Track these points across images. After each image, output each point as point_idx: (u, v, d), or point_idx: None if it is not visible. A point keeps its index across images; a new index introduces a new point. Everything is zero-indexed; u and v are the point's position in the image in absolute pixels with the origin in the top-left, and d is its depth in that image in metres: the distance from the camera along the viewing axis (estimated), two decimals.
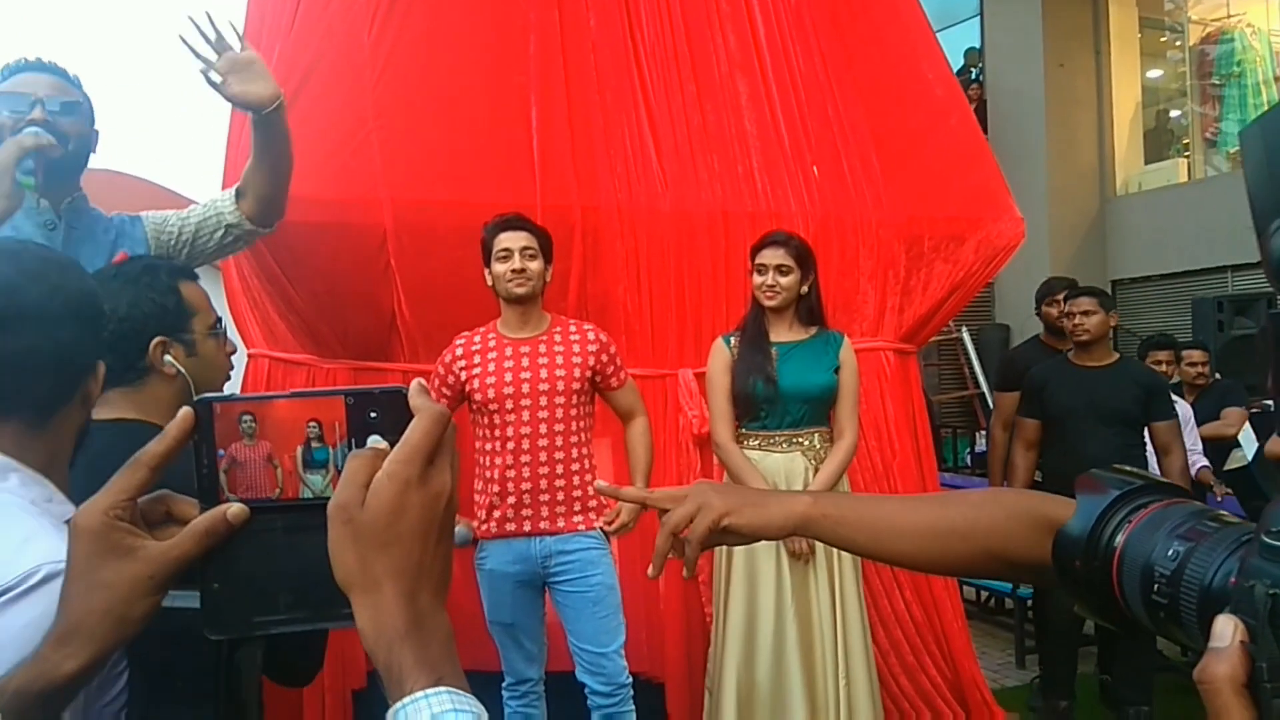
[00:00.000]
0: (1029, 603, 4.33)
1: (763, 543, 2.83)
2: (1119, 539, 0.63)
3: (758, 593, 2.84)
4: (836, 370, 2.91)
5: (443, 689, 0.55)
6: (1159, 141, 9.00)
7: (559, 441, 2.68)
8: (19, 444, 1.02)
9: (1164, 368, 4.41)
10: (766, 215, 3.36)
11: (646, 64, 3.47)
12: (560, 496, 2.68)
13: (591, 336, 2.78)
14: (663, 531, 0.99)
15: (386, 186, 3.05)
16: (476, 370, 2.70)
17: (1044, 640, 3.90)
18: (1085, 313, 3.57)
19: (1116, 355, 3.65)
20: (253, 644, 1.09)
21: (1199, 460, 4.34)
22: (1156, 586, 0.59)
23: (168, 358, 1.48)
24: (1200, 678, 0.51)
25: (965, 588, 4.97)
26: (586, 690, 2.70)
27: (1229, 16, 8.58)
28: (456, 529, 2.51)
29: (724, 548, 2.92)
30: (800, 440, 2.90)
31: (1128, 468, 0.70)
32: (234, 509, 0.60)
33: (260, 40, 3.13)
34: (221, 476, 0.61)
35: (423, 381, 0.62)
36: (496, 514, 2.68)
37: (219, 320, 1.58)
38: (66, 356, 1.07)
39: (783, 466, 2.87)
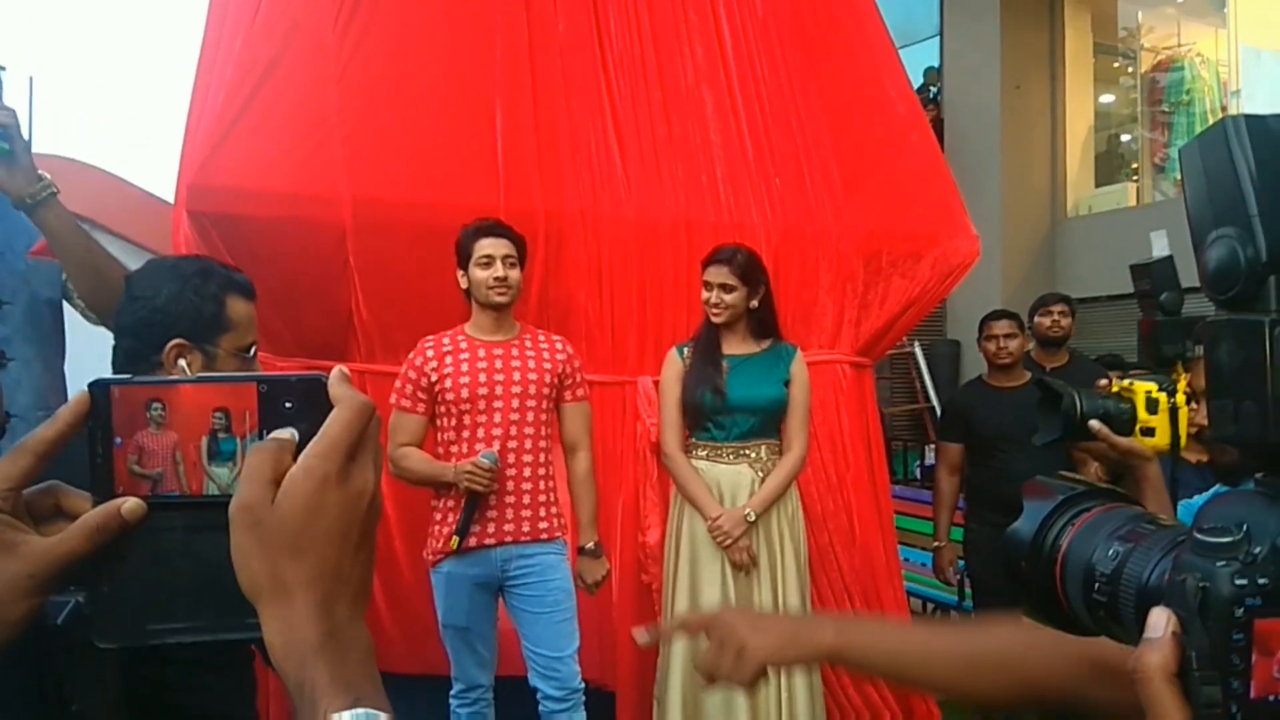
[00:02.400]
0: (973, 614, 4.40)
1: (705, 550, 2.86)
2: (1063, 541, 0.65)
3: (700, 603, 2.86)
4: (787, 384, 2.93)
5: (361, 710, 0.49)
6: (1110, 165, 9.21)
7: (528, 445, 2.68)
8: None
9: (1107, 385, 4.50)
10: (728, 225, 3.38)
11: (614, 71, 3.47)
12: (526, 500, 2.67)
13: (559, 346, 2.80)
14: (700, 669, 0.97)
15: (347, 183, 3.02)
16: (448, 370, 2.67)
17: None
18: (1008, 335, 3.68)
19: (1028, 375, 3.75)
20: (91, 662, 1.02)
21: None
22: (1097, 586, 0.61)
23: (181, 362, 1.43)
24: (1134, 667, 0.53)
25: (911, 599, 5.04)
26: (539, 695, 2.69)
27: (1180, 46, 8.82)
28: (483, 453, 2.46)
29: (672, 557, 2.94)
30: (747, 452, 2.91)
31: (1073, 475, 0.72)
32: (129, 504, 0.55)
33: (222, 31, 3.09)
34: (119, 467, 0.55)
35: (345, 369, 0.57)
36: (455, 540, 2.64)
37: (253, 344, 1.53)
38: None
39: (729, 477, 2.89)
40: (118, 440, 0.55)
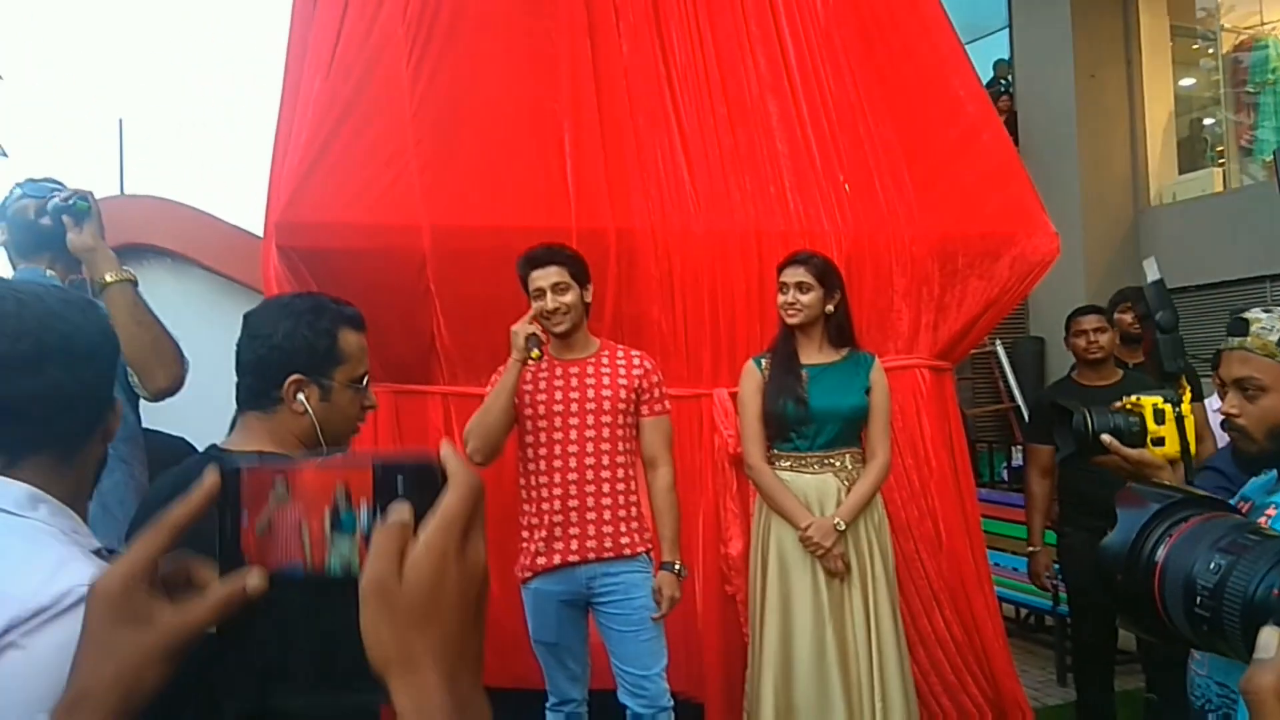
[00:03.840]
0: (1069, 620, 4.29)
1: (795, 560, 2.85)
2: (1160, 553, 0.63)
3: (793, 613, 2.85)
4: (868, 391, 2.92)
5: None
6: (1193, 150, 8.90)
7: (605, 460, 2.71)
8: (47, 477, 1.07)
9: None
10: (799, 234, 3.38)
11: (678, 87, 3.51)
12: (607, 515, 2.70)
13: (638, 361, 2.82)
14: None
15: (425, 212, 3.11)
16: (528, 388, 2.72)
17: (1078, 658, 3.86)
18: (1098, 329, 3.57)
19: (1120, 373, 3.63)
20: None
21: None
22: (1199, 599, 0.59)
23: (300, 396, 1.51)
24: (1245, 688, 0.52)
25: (1005, 605, 4.93)
26: (628, 712, 2.71)
27: (1262, 24, 8.49)
28: (527, 337, 2.46)
29: (758, 567, 2.94)
30: (832, 461, 2.90)
31: (1167, 481, 0.71)
32: (253, 579, 0.57)
33: (301, 73, 3.22)
34: (246, 541, 0.58)
35: (452, 445, 0.60)
36: (543, 545, 2.69)
37: (365, 375, 1.60)
38: (91, 393, 1.09)
39: (815, 487, 2.88)
40: (245, 516, 0.58)
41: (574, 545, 2.69)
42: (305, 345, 1.52)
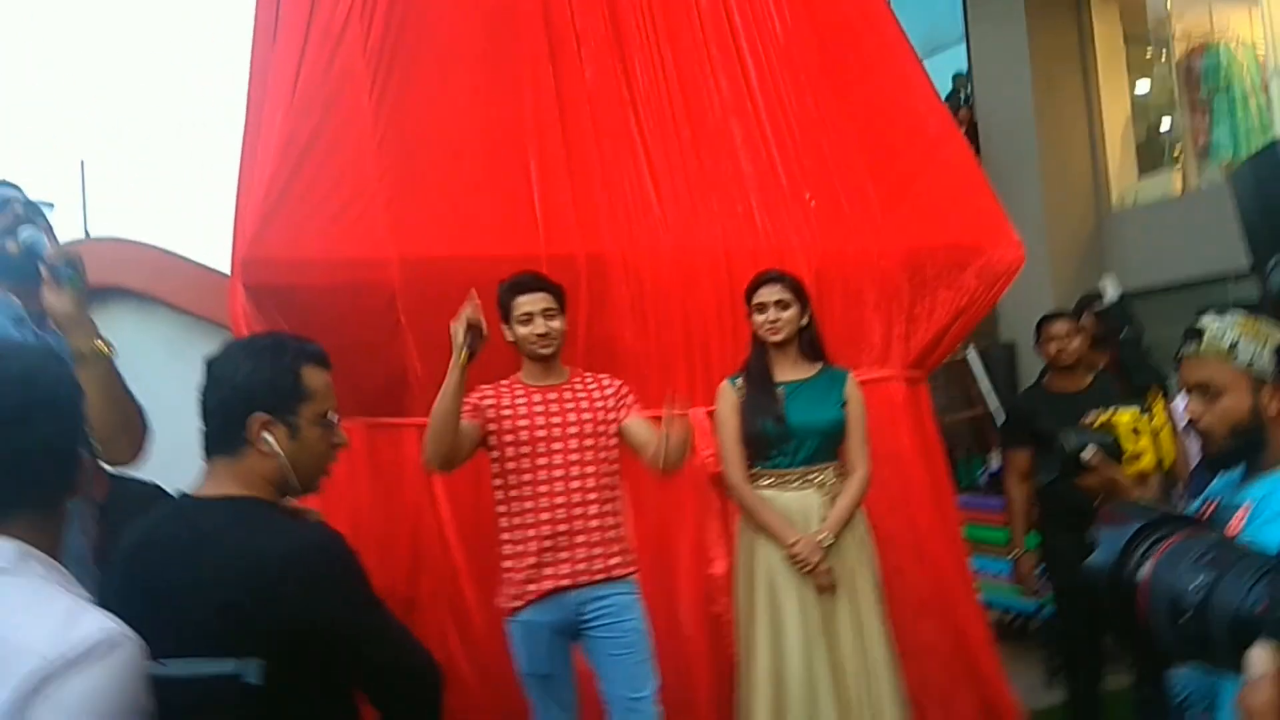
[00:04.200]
0: (1055, 621, 4.30)
1: (782, 577, 2.84)
2: (1144, 571, 0.64)
3: (784, 632, 2.84)
4: (843, 405, 2.93)
5: None
6: (1152, 154, 9.05)
7: (590, 484, 2.71)
8: (32, 533, 1.06)
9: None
10: (768, 251, 3.40)
11: (642, 110, 3.53)
12: (595, 538, 2.69)
13: (607, 381, 2.85)
14: None
15: (393, 245, 3.10)
16: (507, 413, 2.71)
17: (1067, 662, 3.88)
18: (1068, 335, 3.60)
19: (1091, 377, 3.66)
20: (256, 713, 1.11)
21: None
22: (1184, 617, 0.59)
23: (265, 436, 1.49)
24: (1239, 708, 0.52)
25: (990, 610, 4.94)
26: None
27: (1212, 30, 8.67)
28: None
29: (745, 587, 2.93)
30: (813, 477, 2.91)
31: (1144, 500, 0.71)
32: None
33: (263, 109, 3.20)
34: None
35: None
36: (532, 572, 2.66)
37: (331, 411, 1.58)
38: (71, 446, 1.10)
39: (797, 504, 2.89)
40: None
41: (564, 570, 2.67)
42: (267, 384, 1.50)
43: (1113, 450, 1.75)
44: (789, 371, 2.95)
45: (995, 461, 6.91)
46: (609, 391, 2.81)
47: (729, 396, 2.99)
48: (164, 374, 2.43)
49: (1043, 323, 3.71)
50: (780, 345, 2.94)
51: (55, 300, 1.97)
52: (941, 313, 3.58)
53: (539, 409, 2.73)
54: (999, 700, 3.37)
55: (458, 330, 2.55)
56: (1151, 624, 0.63)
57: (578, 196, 3.36)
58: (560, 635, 2.71)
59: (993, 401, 7.79)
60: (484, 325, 2.55)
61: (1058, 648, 4.18)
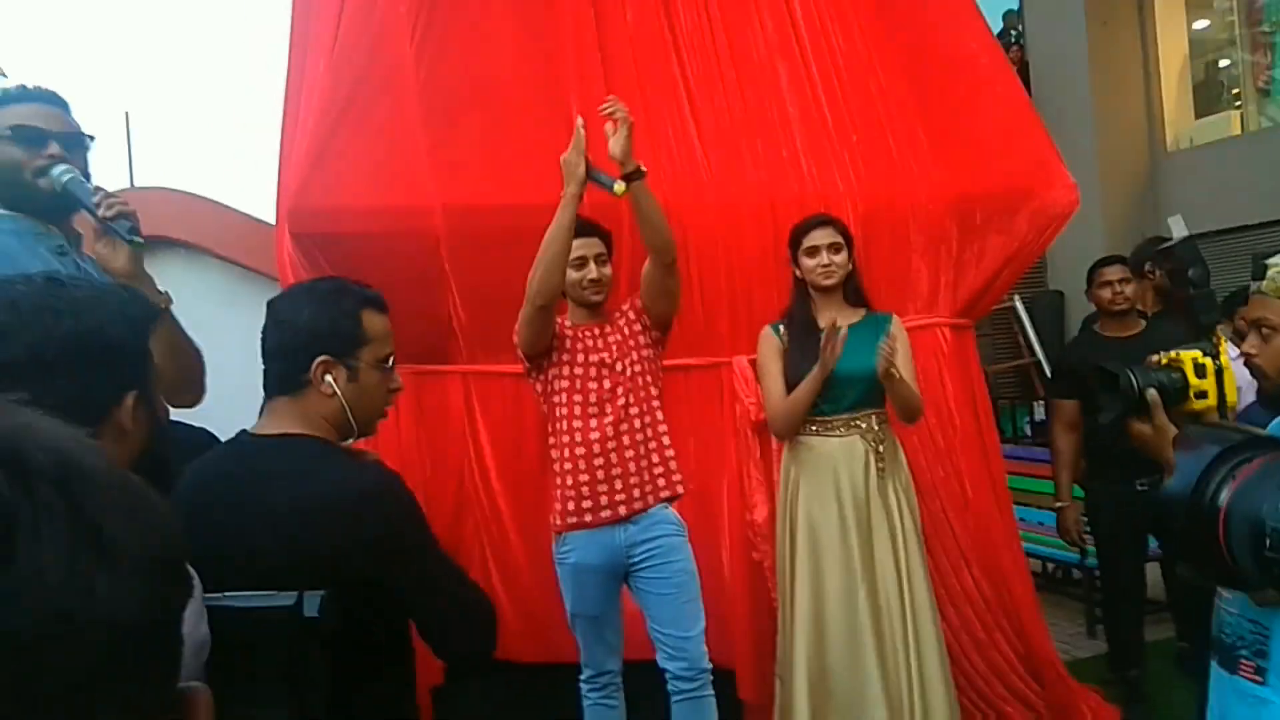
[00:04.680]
0: (1096, 572, 4.28)
1: (826, 524, 2.85)
2: (1223, 497, 0.61)
3: (824, 577, 2.85)
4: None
5: None
6: (1209, 94, 8.75)
7: (645, 408, 2.74)
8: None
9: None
10: (813, 198, 3.34)
11: (685, 54, 3.46)
12: (648, 462, 2.72)
13: (626, 307, 2.86)
14: None
15: (437, 193, 3.10)
16: (566, 345, 2.73)
17: (1108, 610, 3.86)
18: (1123, 280, 3.53)
19: (1143, 323, 3.59)
20: (315, 646, 1.13)
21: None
22: (1269, 542, 0.57)
23: (327, 378, 1.52)
24: None
25: (1032, 560, 4.93)
26: (668, 676, 2.73)
27: None
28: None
29: (786, 533, 2.94)
30: (858, 423, 2.89)
31: (1224, 422, 0.68)
32: None
33: (305, 58, 3.20)
34: None
35: None
36: (587, 503, 2.69)
37: (391, 355, 1.61)
38: (75, 399, 1.00)
39: (842, 450, 2.88)
40: None
41: (621, 510, 2.69)
42: (330, 327, 1.53)
43: (1179, 390, 1.72)
44: (831, 317, 2.92)
45: (1040, 411, 6.84)
46: (630, 313, 2.82)
47: (771, 341, 2.97)
48: (212, 323, 2.46)
49: (1096, 268, 3.63)
50: (827, 290, 2.91)
51: (110, 256, 1.95)
52: (991, 259, 3.51)
53: (580, 348, 2.75)
54: (1038, 648, 3.37)
55: (575, 160, 2.55)
56: (1233, 552, 0.61)
57: None
58: (609, 578, 2.74)
59: (1039, 351, 7.68)
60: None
61: (1100, 597, 4.16)
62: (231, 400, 2.07)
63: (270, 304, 1.60)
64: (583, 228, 2.73)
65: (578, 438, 2.70)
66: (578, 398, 2.72)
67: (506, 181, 3.17)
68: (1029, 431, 7.13)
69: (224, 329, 2.52)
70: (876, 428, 2.91)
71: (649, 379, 2.79)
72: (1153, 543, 3.58)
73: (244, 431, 1.58)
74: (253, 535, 1.39)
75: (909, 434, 3.16)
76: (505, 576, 3.18)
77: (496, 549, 3.16)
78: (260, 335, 1.57)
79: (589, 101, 3.31)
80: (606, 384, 2.72)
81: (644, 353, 2.79)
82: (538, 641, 3.09)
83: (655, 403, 2.79)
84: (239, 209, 4.63)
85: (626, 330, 2.80)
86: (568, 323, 2.80)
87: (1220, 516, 0.61)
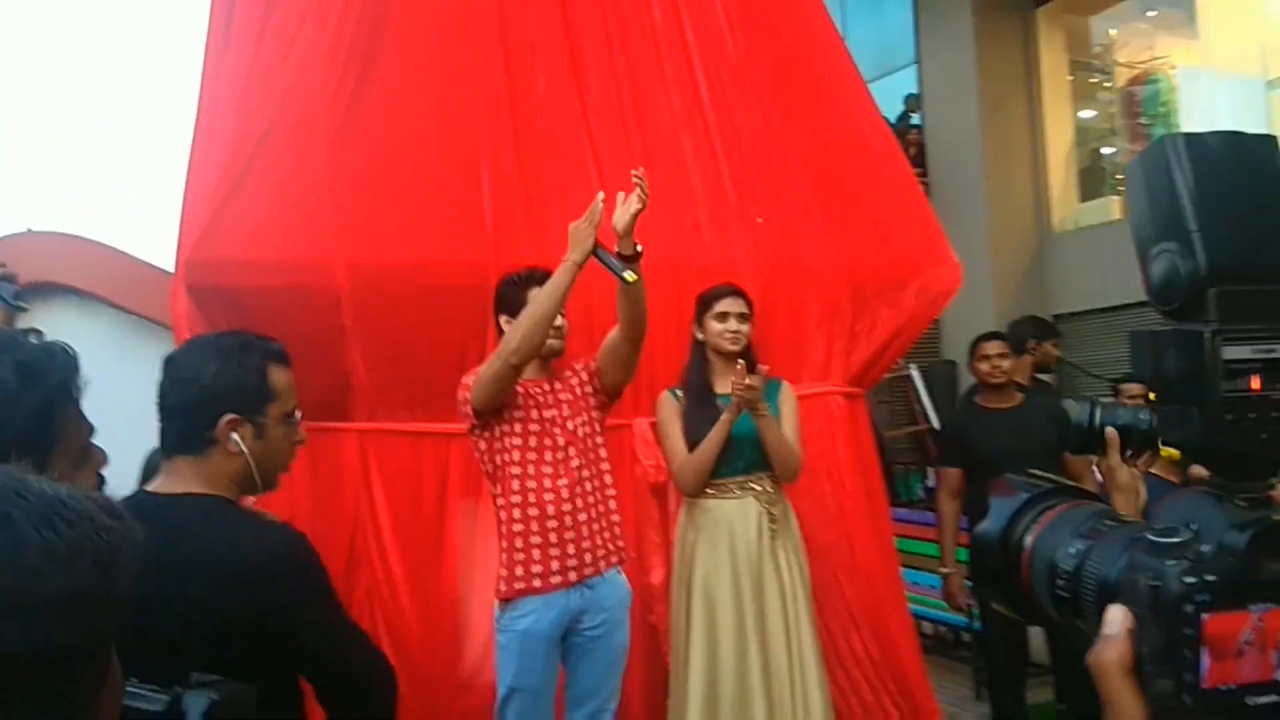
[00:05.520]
0: (983, 636, 4.41)
1: (721, 585, 2.89)
2: (1028, 539, 0.67)
3: (718, 637, 2.89)
4: (778, 414, 2.99)
5: None
6: (1094, 179, 9.30)
7: (595, 470, 2.74)
8: None
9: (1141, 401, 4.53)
10: (715, 266, 3.45)
11: (594, 123, 3.56)
12: (602, 524, 2.71)
13: (578, 367, 2.86)
14: None
15: (341, 249, 3.09)
16: (517, 401, 2.67)
17: (991, 672, 3.98)
18: (1000, 354, 3.72)
19: (1020, 396, 3.79)
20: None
21: None
22: (1060, 581, 0.63)
23: (234, 436, 1.49)
24: (1092, 663, 0.56)
25: (923, 622, 5.05)
26: None
27: (1154, 59, 8.95)
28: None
29: (682, 594, 2.97)
30: (753, 485, 2.97)
31: (1038, 472, 0.75)
32: None
33: (215, 106, 3.18)
34: None
35: None
36: (537, 567, 2.61)
37: (295, 410, 1.59)
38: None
39: (737, 512, 2.94)
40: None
41: (572, 576, 2.64)
42: (236, 384, 1.51)
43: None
44: (729, 384, 3.00)
45: (933, 477, 7.05)
46: (579, 366, 2.83)
47: (670, 404, 3.04)
48: (105, 373, 2.39)
49: (976, 342, 3.82)
50: (729, 356, 2.99)
51: None
52: (882, 330, 3.66)
53: (534, 403, 2.71)
54: (923, 709, 3.45)
55: (586, 232, 2.54)
56: (1033, 587, 0.67)
57: (530, 205, 3.38)
58: (556, 645, 2.65)
59: (934, 418, 7.94)
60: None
61: (984, 661, 4.29)
62: (122, 451, 2.02)
63: (169, 360, 1.56)
64: (544, 278, 2.71)
65: (530, 499, 2.64)
66: (531, 455, 2.66)
67: (413, 240, 3.19)
68: (922, 495, 7.33)
69: (117, 378, 2.46)
70: (770, 490, 2.98)
71: (599, 440, 2.79)
72: None
73: (143, 490, 1.55)
74: (156, 598, 1.37)
75: (801, 497, 3.24)
76: (395, 641, 3.11)
77: (387, 612, 3.11)
78: (159, 392, 1.54)
79: (499, 165, 3.37)
80: (560, 441, 2.68)
81: (593, 414, 2.79)
82: (425, 710, 3.02)
83: (605, 465, 2.78)
84: (136, 256, 4.53)
85: (578, 390, 2.79)
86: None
87: (1024, 557, 0.67)
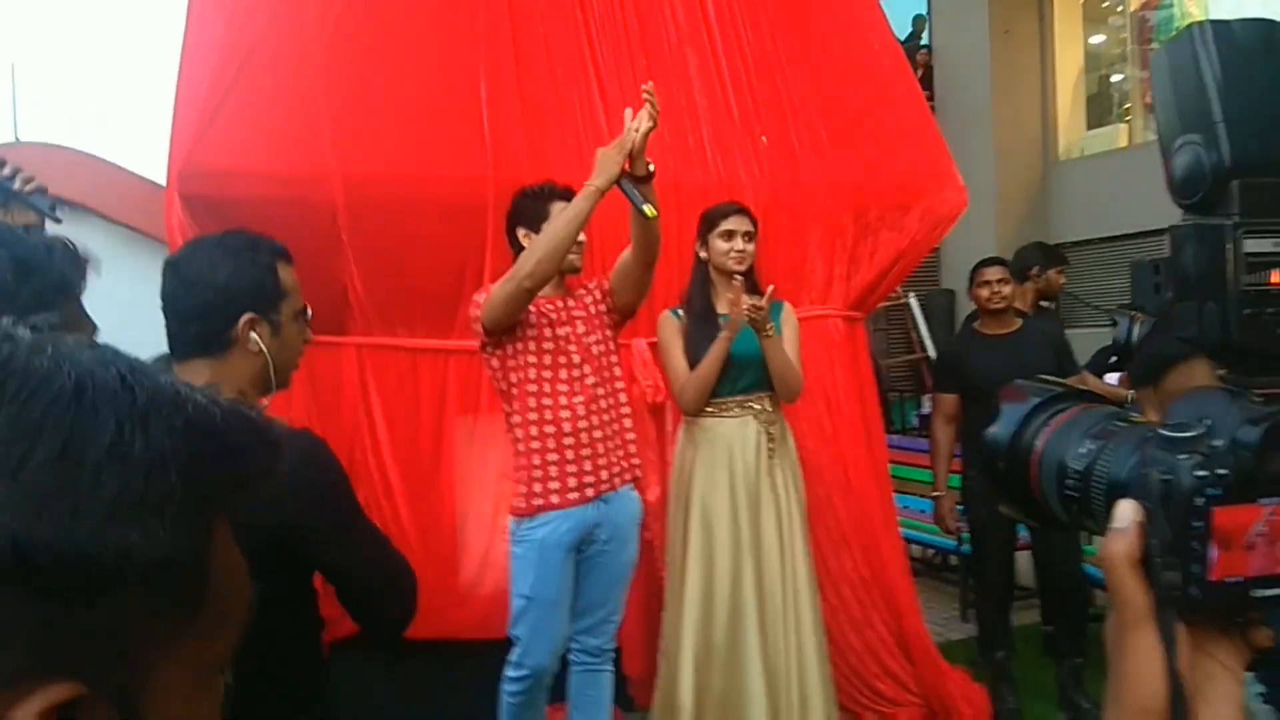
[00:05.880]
0: (971, 558, 4.48)
1: (718, 504, 2.92)
2: (1038, 441, 0.67)
3: (714, 555, 2.93)
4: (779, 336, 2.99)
5: None
6: (1101, 107, 9.16)
7: (610, 389, 2.74)
8: None
9: None
10: (717, 185, 3.40)
11: (596, 37, 3.48)
12: (617, 442, 2.72)
13: (590, 286, 2.83)
14: None
15: (337, 160, 3.04)
16: (530, 320, 2.64)
17: (978, 594, 4.05)
18: (1001, 280, 3.70)
19: (1019, 321, 3.78)
20: None
21: None
22: (1070, 481, 0.64)
23: (253, 335, 1.48)
24: (1101, 554, 0.57)
25: (913, 545, 5.13)
26: (575, 648, 2.76)
27: None
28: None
29: (680, 512, 3.01)
30: (752, 405, 2.98)
31: (1049, 378, 0.75)
32: None
33: (205, 14, 3.10)
34: None
35: None
36: (555, 484, 2.62)
37: (306, 308, 1.58)
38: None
39: (736, 431, 2.96)
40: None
41: (589, 492, 2.65)
42: (252, 284, 1.49)
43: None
44: (729, 304, 2.98)
45: (928, 405, 7.09)
46: (596, 291, 2.80)
47: (671, 323, 3.03)
48: (96, 286, 2.37)
49: (977, 268, 3.80)
50: (733, 275, 2.96)
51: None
52: (883, 254, 3.64)
53: (548, 320, 2.68)
54: (911, 629, 3.52)
55: (614, 159, 2.47)
56: (1042, 490, 0.67)
57: (528, 120, 3.32)
58: (570, 555, 2.67)
59: (930, 347, 7.96)
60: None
61: (972, 583, 4.36)
62: None
63: (174, 263, 1.54)
64: (565, 193, 2.68)
65: (547, 415, 2.64)
66: (546, 373, 2.65)
67: (410, 153, 3.13)
68: (916, 423, 7.39)
69: (108, 292, 2.44)
70: (769, 409, 2.99)
71: (614, 359, 2.79)
72: (1022, 531, 3.77)
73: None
74: None
75: (798, 418, 3.26)
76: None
77: (385, 525, 3.14)
78: (169, 296, 1.51)
79: (497, 78, 3.30)
80: (576, 359, 2.66)
81: (608, 333, 2.78)
82: (426, 619, 3.07)
83: (619, 384, 2.78)
84: (128, 167, 4.47)
85: (593, 309, 2.76)
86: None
87: (1033, 458, 0.67)
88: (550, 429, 2.63)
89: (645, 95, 2.48)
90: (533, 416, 2.65)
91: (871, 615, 3.48)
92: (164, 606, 0.44)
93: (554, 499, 2.63)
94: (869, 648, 3.47)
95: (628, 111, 2.53)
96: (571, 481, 2.64)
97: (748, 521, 2.93)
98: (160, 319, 1.55)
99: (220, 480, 0.47)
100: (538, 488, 2.64)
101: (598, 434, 2.68)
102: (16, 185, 1.92)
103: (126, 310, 2.19)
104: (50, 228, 2.04)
